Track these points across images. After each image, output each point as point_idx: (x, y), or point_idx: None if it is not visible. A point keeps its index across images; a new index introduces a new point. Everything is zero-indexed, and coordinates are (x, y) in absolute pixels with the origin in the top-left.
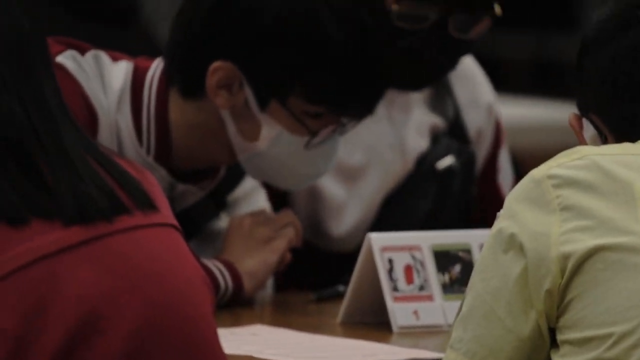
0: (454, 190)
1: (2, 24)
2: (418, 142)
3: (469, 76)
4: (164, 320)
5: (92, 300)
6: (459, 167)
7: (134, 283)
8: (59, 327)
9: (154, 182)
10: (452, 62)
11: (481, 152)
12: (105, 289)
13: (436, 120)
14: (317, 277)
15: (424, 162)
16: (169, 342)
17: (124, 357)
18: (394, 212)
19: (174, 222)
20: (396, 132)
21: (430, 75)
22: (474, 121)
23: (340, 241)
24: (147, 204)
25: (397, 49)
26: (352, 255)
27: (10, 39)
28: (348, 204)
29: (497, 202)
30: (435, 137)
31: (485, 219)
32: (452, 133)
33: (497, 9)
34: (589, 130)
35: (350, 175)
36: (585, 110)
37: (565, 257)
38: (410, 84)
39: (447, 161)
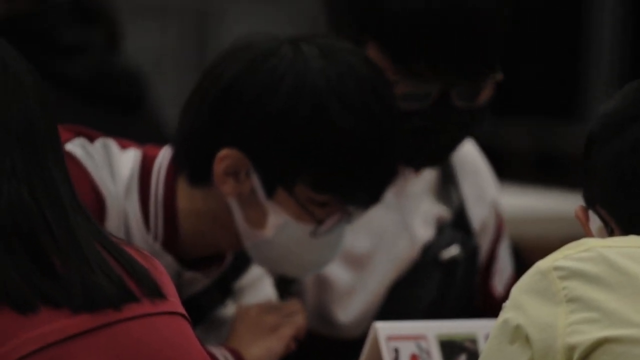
0: (457, 280)
1: (13, 112)
2: (425, 231)
3: (475, 171)
4: None
5: None
6: (463, 257)
7: None
8: None
9: (162, 271)
10: (464, 132)
11: (484, 245)
12: None
13: (442, 211)
14: None
15: (429, 252)
16: None
17: None
18: (399, 300)
19: (182, 310)
20: (404, 220)
21: (444, 149)
22: (479, 215)
23: (347, 328)
24: (155, 293)
25: (407, 129)
26: (359, 342)
27: (21, 127)
28: (355, 290)
29: (487, 305)
30: (440, 227)
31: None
32: (457, 225)
33: (498, 75)
34: (595, 222)
35: (357, 262)
36: (591, 203)
37: (572, 349)
38: (425, 161)
39: (451, 251)
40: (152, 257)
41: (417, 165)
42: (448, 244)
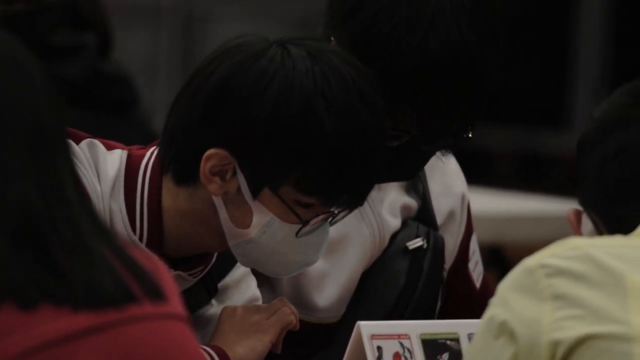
0: (424, 269)
1: (24, 108)
2: (392, 221)
3: (443, 170)
4: None
5: None
6: (429, 248)
7: None
8: None
9: (166, 272)
10: (426, 161)
11: (453, 234)
12: None
13: (408, 202)
14: (301, 348)
15: (396, 240)
16: None
17: None
18: (372, 286)
19: (182, 312)
20: (373, 209)
21: (412, 168)
22: (445, 206)
23: (325, 311)
24: (157, 294)
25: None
26: (336, 327)
27: (32, 124)
28: (329, 275)
29: (470, 293)
30: (405, 220)
31: (459, 311)
32: (420, 218)
33: (470, 132)
34: (587, 225)
35: (328, 248)
36: (585, 206)
37: (556, 344)
38: (396, 176)
39: (417, 242)
40: (156, 258)
41: (380, 182)
42: (413, 236)
